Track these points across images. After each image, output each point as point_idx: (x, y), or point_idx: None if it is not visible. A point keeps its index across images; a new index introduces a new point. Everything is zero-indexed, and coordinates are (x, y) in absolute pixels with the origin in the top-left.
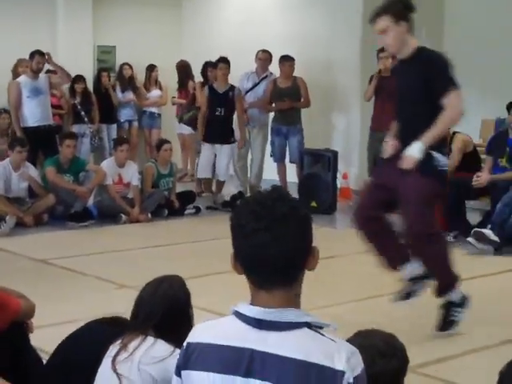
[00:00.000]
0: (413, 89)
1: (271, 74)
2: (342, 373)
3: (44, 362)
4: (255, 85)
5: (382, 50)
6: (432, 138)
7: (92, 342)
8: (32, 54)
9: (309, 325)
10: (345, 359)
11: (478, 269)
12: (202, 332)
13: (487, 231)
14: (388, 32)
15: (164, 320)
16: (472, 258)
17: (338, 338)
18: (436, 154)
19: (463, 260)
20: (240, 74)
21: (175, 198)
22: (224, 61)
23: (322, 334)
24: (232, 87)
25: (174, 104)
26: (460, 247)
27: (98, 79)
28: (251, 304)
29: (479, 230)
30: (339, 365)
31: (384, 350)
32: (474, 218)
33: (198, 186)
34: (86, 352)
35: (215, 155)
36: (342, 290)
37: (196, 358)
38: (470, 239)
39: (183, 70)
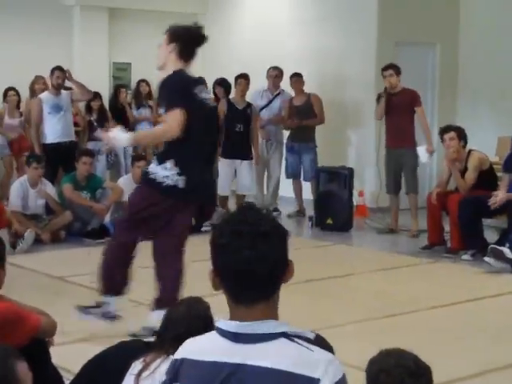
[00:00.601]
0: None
1: (283, 90)
2: (318, 380)
3: (65, 380)
4: (269, 102)
5: (386, 68)
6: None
7: (118, 363)
8: (52, 70)
9: (286, 335)
10: (323, 367)
11: (494, 287)
12: (187, 347)
13: (505, 249)
14: (160, 48)
15: None
16: (489, 277)
17: (314, 346)
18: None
19: (480, 278)
20: (253, 91)
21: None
22: (244, 77)
23: (300, 344)
24: (249, 104)
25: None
26: (477, 266)
27: (115, 95)
28: (230, 319)
29: (496, 247)
30: (316, 373)
31: (413, 370)
32: (491, 236)
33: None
34: (111, 373)
35: (235, 171)
36: (361, 308)
37: (182, 372)
38: (487, 258)
39: None
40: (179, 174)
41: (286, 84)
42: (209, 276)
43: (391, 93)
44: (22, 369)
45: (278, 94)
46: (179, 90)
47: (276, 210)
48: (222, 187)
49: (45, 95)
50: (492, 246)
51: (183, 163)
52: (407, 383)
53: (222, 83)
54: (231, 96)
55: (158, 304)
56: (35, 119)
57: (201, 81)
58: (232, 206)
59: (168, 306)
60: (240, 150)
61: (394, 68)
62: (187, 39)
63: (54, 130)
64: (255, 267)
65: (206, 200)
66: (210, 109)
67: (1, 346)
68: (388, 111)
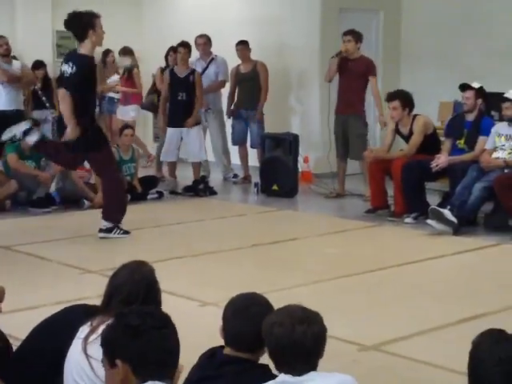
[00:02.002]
0: None
1: (216, 56)
2: None
3: (13, 347)
4: (204, 69)
5: (346, 33)
6: None
7: (65, 328)
8: None
9: None
10: None
11: (436, 249)
12: None
13: (445, 211)
14: None
15: (140, 304)
16: (430, 239)
17: None
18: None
19: (422, 240)
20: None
21: (138, 183)
22: (184, 45)
23: None
24: (193, 71)
25: (118, 92)
26: (420, 228)
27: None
28: None
29: (437, 208)
30: None
31: (303, 318)
32: (433, 199)
33: (158, 170)
34: (59, 336)
35: (181, 139)
36: (306, 271)
37: None
38: (428, 221)
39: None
40: None
41: (227, 51)
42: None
43: (348, 58)
44: None
45: (212, 60)
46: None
47: (235, 176)
48: (168, 154)
49: None
50: (432, 207)
51: None
52: (298, 330)
53: (175, 49)
54: None
55: None
56: None
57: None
58: (189, 174)
59: None
60: (184, 117)
61: (354, 34)
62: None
63: (1, 98)
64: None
65: None
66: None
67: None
68: (341, 76)
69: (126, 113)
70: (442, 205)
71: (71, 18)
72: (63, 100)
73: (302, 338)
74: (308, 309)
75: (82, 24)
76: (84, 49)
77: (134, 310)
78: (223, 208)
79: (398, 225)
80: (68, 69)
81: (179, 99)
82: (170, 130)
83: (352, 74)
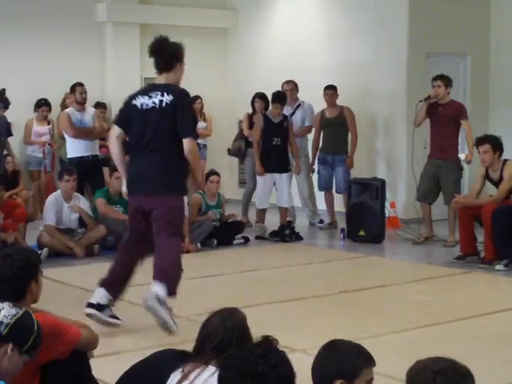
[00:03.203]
0: None
1: (303, 102)
2: None
3: None
4: (291, 114)
5: (435, 78)
6: None
7: (157, 372)
8: (73, 87)
9: None
10: None
11: None
12: None
13: None
14: None
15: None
16: None
17: None
18: None
19: None
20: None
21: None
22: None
23: None
24: (285, 116)
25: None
26: (511, 275)
27: None
28: None
29: None
30: None
31: (465, 372)
32: None
33: (244, 215)
34: (150, 382)
35: (273, 184)
36: (396, 319)
37: None
38: None
39: None
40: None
41: (312, 96)
42: None
43: (438, 103)
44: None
45: (299, 106)
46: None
47: (321, 221)
48: (263, 201)
49: (70, 110)
50: None
51: None
52: None
53: (262, 97)
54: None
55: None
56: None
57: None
58: (275, 219)
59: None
60: (278, 163)
61: (444, 79)
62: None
63: (77, 144)
64: None
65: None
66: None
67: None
68: (433, 122)
69: None
70: None
71: (160, 43)
72: (191, 146)
73: None
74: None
75: (170, 53)
76: (168, 81)
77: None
78: (309, 253)
79: (488, 272)
80: (163, 98)
81: (274, 144)
82: (264, 177)
83: (443, 118)
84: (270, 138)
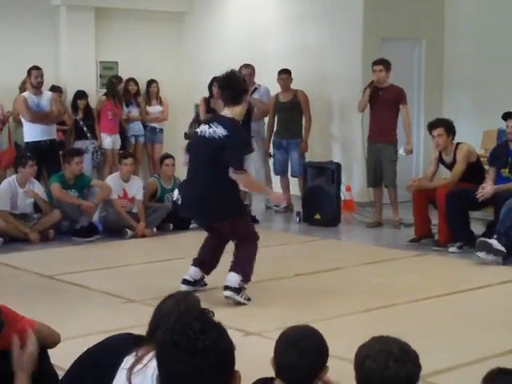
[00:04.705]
0: None
1: (259, 85)
2: None
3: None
4: None
5: (376, 62)
6: None
7: (111, 356)
8: (29, 71)
9: None
10: None
11: (482, 279)
12: None
13: (493, 241)
14: None
15: None
16: (476, 268)
17: None
18: None
19: (467, 270)
20: None
21: None
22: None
23: None
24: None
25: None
26: (465, 258)
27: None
28: None
29: (485, 240)
30: None
31: (398, 355)
32: (477, 228)
33: None
34: (103, 366)
35: None
36: (351, 301)
37: None
38: (478, 253)
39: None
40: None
41: (268, 80)
42: None
43: (378, 87)
44: None
45: (255, 90)
46: None
47: (277, 205)
48: None
49: (27, 94)
50: (480, 239)
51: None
52: (391, 368)
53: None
54: None
55: None
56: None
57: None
58: None
59: None
60: None
61: (384, 63)
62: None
63: (34, 128)
64: (191, 382)
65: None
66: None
67: None
68: (373, 105)
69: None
70: (486, 234)
71: (231, 78)
72: (243, 179)
73: (394, 376)
74: (405, 344)
75: (240, 89)
76: (234, 114)
77: None
78: (265, 237)
79: (442, 254)
80: (218, 131)
81: None
82: None
83: (383, 102)
84: None
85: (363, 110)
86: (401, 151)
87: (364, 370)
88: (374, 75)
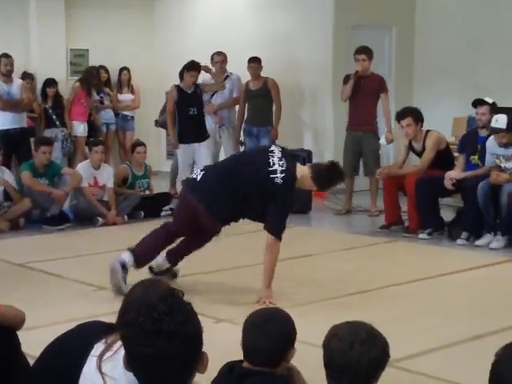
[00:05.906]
0: None
1: (231, 73)
2: None
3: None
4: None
5: (359, 51)
6: None
7: (82, 343)
8: None
9: None
10: None
11: (451, 265)
12: None
13: (492, 243)
14: None
15: None
16: (445, 254)
17: None
18: None
19: (436, 256)
20: (201, 80)
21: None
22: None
23: None
24: (197, 85)
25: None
26: (434, 244)
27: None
28: None
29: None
30: None
31: (365, 339)
32: (447, 215)
33: (172, 187)
34: (73, 354)
35: (193, 154)
36: (322, 288)
37: None
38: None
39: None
40: None
41: (239, 68)
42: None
43: (360, 76)
44: None
45: (227, 77)
46: None
47: None
48: (183, 172)
49: None
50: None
51: None
52: (356, 350)
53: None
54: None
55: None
56: None
57: None
58: None
59: None
60: (196, 132)
61: (367, 52)
62: None
63: (4, 116)
64: (159, 365)
65: None
66: None
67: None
68: (354, 94)
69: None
70: (456, 220)
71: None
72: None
73: (357, 359)
74: (374, 330)
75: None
76: (301, 174)
77: None
78: (235, 224)
79: (412, 241)
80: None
81: (190, 114)
82: (182, 147)
83: (365, 91)
84: (186, 109)
85: (346, 100)
86: (382, 140)
87: (330, 349)
88: (358, 64)
